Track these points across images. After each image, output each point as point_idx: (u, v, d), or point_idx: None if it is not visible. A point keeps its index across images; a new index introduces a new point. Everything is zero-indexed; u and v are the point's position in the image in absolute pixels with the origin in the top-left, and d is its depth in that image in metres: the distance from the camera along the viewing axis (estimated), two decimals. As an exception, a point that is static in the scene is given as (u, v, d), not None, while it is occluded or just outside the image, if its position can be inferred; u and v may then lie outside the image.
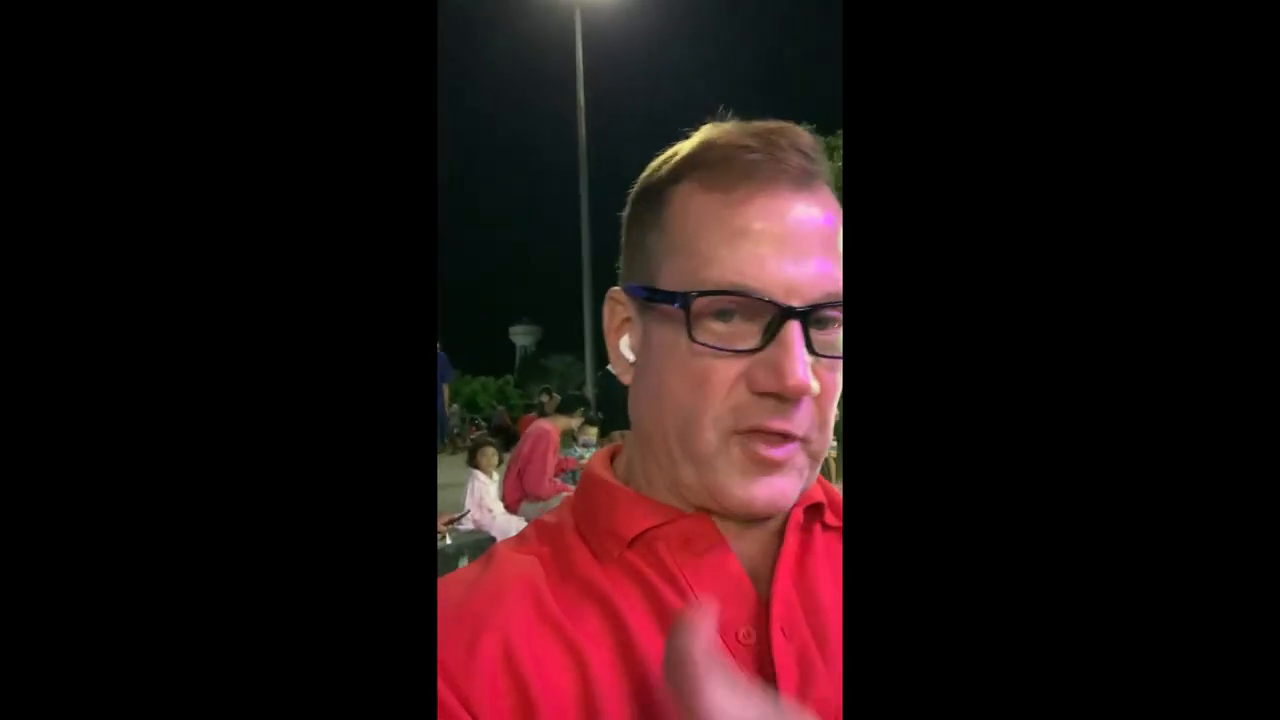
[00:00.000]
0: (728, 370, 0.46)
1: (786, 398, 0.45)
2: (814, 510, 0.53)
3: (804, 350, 0.45)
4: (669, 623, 0.45)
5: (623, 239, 0.53)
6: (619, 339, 0.53)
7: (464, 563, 4.19)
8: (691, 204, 0.48)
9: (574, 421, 5.01)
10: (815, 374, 0.45)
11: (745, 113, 0.50)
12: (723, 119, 0.50)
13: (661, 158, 0.52)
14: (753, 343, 0.45)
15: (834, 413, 0.48)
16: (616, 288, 0.53)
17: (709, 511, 0.49)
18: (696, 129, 0.51)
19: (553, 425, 4.74)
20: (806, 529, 0.52)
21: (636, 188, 0.52)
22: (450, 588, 0.48)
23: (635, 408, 0.52)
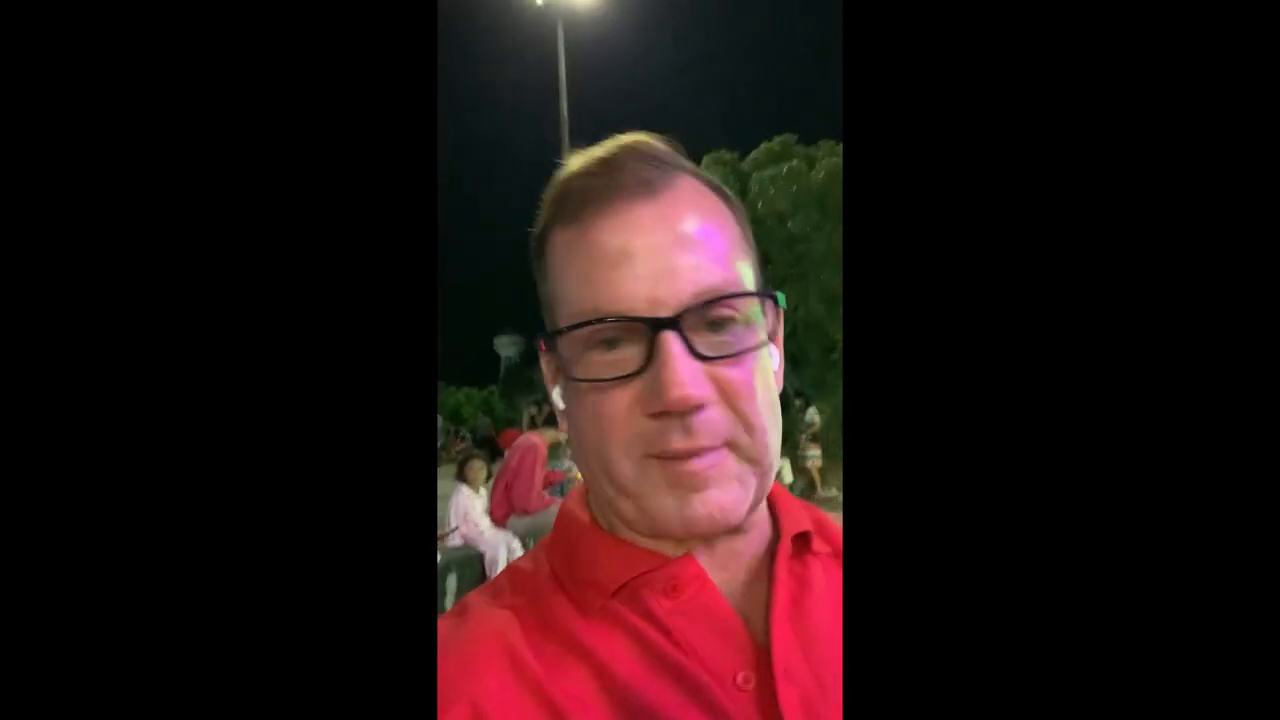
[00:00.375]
0: (620, 399, 0.44)
1: (677, 413, 0.43)
2: (801, 540, 0.51)
3: (686, 359, 0.42)
4: (665, 674, 0.43)
5: None
6: (553, 389, 0.52)
7: (453, 580, 4.13)
8: (556, 245, 0.48)
9: (562, 434, 4.97)
10: (712, 377, 0.44)
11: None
12: (578, 149, 0.50)
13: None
14: (634, 366, 0.44)
15: (762, 409, 0.46)
16: (541, 343, 0.52)
17: (665, 537, 0.47)
18: (670, 132, 0.50)
19: (540, 438, 4.71)
20: (797, 558, 0.50)
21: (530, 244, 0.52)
22: None
23: (572, 453, 0.51)
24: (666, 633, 0.44)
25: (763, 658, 0.44)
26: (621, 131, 0.50)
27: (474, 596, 0.50)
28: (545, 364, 0.52)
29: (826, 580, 0.50)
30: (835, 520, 0.55)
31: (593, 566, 0.48)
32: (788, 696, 0.43)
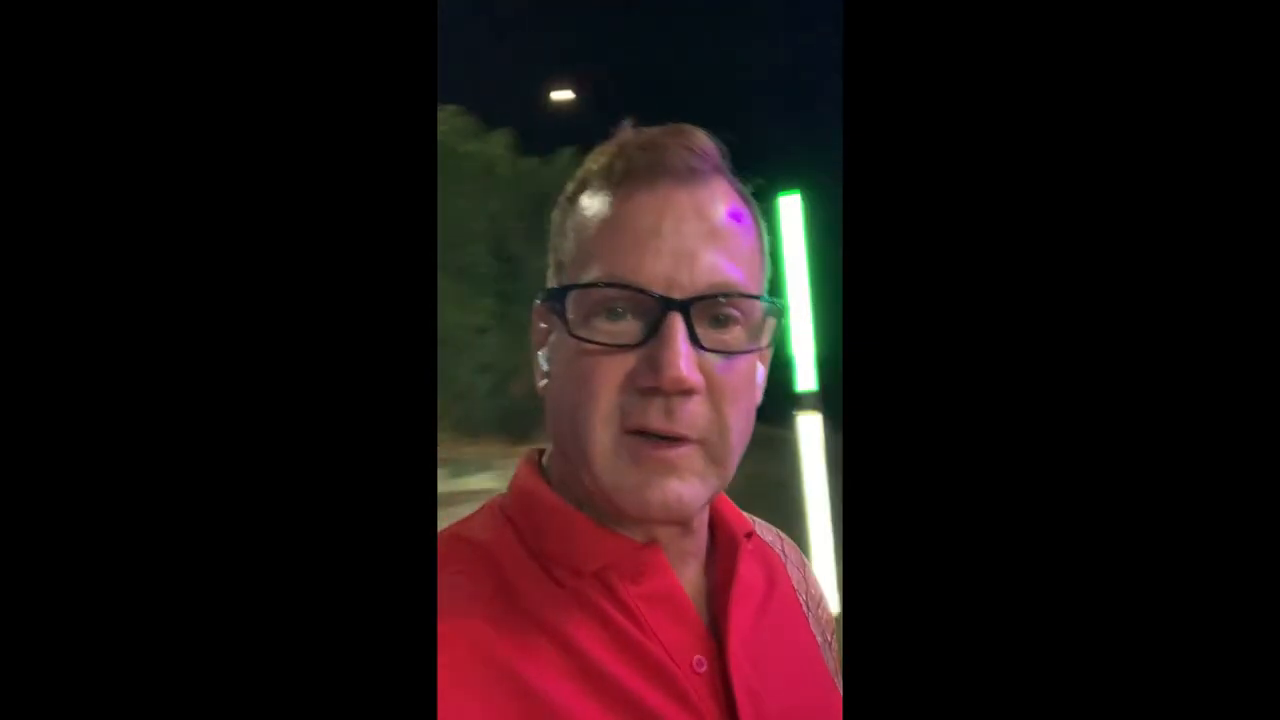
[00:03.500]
0: (613, 367, 0.45)
1: (667, 392, 0.44)
2: (750, 537, 0.54)
3: (686, 344, 0.44)
4: (630, 656, 0.45)
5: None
6: (538, 351, 0.52)
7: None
8: (588, 207, 0.49)
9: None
10: (704, 371, 0.45)
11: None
12: (635, 128, 0.51)
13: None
14: (635, 338, 0.45)
15: (740, 416, 0.47)
16: (539, 302, 0.52)
17: (621, 519, 0.47)
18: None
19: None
20: (747, 554, 0.53)
21: (555, 205, 0.53)
22: None
23: (546, 416, 0.51)
24: (633, 616, 0.46)
25: (716, 644, 0.48)
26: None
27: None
28: (537, 320, 0.52)
29: (760, 565, 0.54)
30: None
31: (567, 545, 0.48)
32: (741, 679, 0.46)
